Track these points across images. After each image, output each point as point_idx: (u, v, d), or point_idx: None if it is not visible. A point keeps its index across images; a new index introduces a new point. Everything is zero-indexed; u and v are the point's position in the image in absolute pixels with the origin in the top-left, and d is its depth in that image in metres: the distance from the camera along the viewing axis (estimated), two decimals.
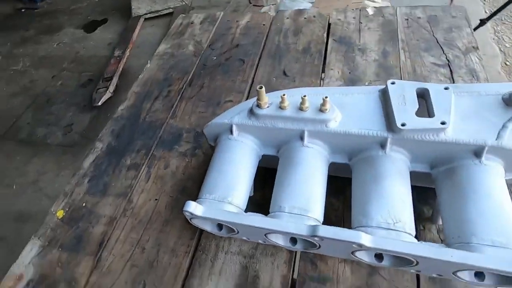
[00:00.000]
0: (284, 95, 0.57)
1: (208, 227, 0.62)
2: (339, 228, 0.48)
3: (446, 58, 0.87)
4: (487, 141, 0.50)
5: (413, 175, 0.59)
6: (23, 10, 4.25)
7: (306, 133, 0.59)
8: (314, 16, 1.10)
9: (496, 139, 0.50)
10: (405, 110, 0.55)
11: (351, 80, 0.88)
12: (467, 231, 0.47)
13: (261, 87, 0.57)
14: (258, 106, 0.61)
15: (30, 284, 0.67)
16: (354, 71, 0.90)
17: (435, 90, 0.56)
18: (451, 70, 0.84)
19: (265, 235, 0.55)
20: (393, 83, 0.59)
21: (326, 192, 0.59)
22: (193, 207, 0.54)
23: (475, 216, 0.48)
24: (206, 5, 3.50)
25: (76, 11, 4.31)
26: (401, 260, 0.50)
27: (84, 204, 0.78)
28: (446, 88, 0.56)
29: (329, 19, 1.08)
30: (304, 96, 0.56)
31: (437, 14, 1.00)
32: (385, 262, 0.53)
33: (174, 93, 0.98)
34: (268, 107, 0.61)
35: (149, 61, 1.11)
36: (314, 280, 0.59)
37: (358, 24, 1.04)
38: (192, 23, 1.22)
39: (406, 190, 0.54)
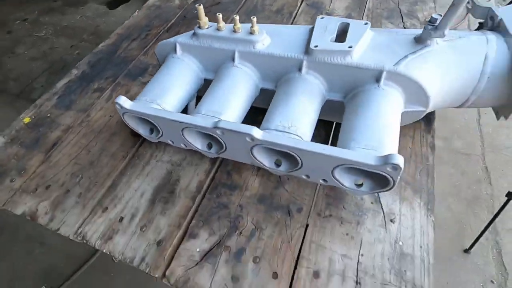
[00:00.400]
0: (219, 14, 0.64)
1: (140, 129, 0.69)
2: (237, 123, 0.54)
3: (404, 26, 0.92)
4: (385, 66, 0.55)
5: (333, 109, 0.64)
6: None
7: (236, 54, 0.65)
8: None
9: (393, 65, 0.55)
10: (322, 37, 0.60)
11: None
12: (349, 137, 0.52)
13: (199, 5, 0.64)
14: (199, 27, 0.67)
15: None
16: None
17: (355, 24, 0.61)
18: None
19: (182, 134, 0.61)
20: (322, 17, 0.65)
21: (254, 119, 0.65)
22: (123, 100, 0.61)
23: (358, 126, 0.53)
24: None
25: None
26: (292, 164, 0.56)
27: (49, 115, 0.87)
28: (365, 24, 0.61)
29: None
30: (235, 16, 0.62)
31: None
32: (281, 168, 0.58)
33: (151, 36, 1.06)
34: (207, 28, 0.67)
35: (137, 11, 1.20)
36: (225, 186, 0.65)
37: None
38: None
39: (311, 106, 0.59)
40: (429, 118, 0.69)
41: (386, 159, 0.45)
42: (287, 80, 0.63)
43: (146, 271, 0.56)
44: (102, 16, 4.11)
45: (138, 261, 0.57)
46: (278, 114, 0.57)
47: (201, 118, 0.57)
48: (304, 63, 0.60)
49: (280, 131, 0.54)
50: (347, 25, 0.62)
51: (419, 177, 0.61)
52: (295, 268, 0.53)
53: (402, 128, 0.68)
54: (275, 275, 0.53)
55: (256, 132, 0.52)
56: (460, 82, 0.58)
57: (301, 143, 0.50)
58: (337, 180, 0.53)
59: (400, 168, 0.45)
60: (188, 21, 1.10)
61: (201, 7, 0.64)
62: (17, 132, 0.84)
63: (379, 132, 0.52)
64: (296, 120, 0.56)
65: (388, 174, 0.47)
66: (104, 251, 0.59)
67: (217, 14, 0.64)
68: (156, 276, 0.55)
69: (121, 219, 0.63)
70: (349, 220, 0.57)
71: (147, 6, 1.21)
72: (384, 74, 0.55)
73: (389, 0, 1.01)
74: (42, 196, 0.69)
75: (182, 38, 0.70)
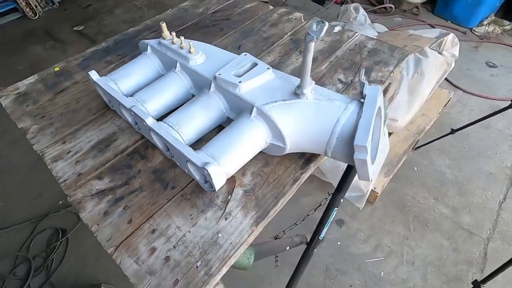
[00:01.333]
0: (174, 32, 0.86)
1: (104, 97, 0.95)
2: (142, 111, 0.76)
3: (352, 80, 1.02)
4: (256, 103, 0.71)
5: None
6: None
7: (178, 64, 0.87)
8: (294, 19, 1.32)
9: (262, 105, 0.71)
10: (230, 68, 0.78)
11: (273, 67, 1.10)
12: (207, 144, 0.70)
13: (163, 22, 0.87)
14: (163, 37, 0.91)
15: (19, 94, 1.11)
16: (282, 62, 1.12)
17: (260, 65, 0.78)
18: (345, 88, 1.00)
19: (119, 107, 0.85)
20: (245, 55, 0.82)
21: None
22: (93, 73, 0.88)
23: (217, 139, 0.71)
24: None
25: None
26: (171, 151, 0.76)
27: (70, 70, 1.20)
28: (268, 68, 0.77)
29: (303, 25, 1.29)
30: (181, 36, 0.84)
31: (382, 49, 1.12)
32: (168, 152, 0.78)
33: None
34: (168, 40, 0.90)
35: (170, 9, 1.49)
36: (139, 155, 0.88)
37: None
38: None
39: (204, 117, 0.78)
40: (309, 160, 0.82)
41: (204, 164, 0.63)
42: (200, 93, 0.82)
43: (62, 188, 0.82)
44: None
45: (62, 181, 0.84)
46: (175, 114, 0.77)
47: (128, 100, 0.80)
48: (212, 84, 0.79)
49: (168, 125, 0.75)
50: (255, 65, 0.79)
51: (268, 197, 0.76)
52: (144, 222, 0.74)
53: (284, 158, 0.83)
54: (129, 221, 0.74)
55: (148, 120, 0.74)
56: (314, 134, 0.70)
57: (167, 135, 0.70)
58: (192, 172, 0.72)
59: (209, 174, 0.62)
60: (197, 28, 1.34)
61: (164, 25, 0.87)
62: (47, 75, 1.18)
63: (226, 148, 0.69)
64: (184, 122, 0.76)
65: (207, 176, 0.64)
66: (48, 167, 0.88)
67: (173, 32, 0.86)
68: (66, 194, 0.81)
69: (69, 152, 0.91)
70: (198, 207, 0.75)
71: (179, 8, 1.49)
72: (254, 109, 0.72)
73: (359, 54, 1.12)
74: (36, 122, 1.01)
75: (152, 42, 0.94)
